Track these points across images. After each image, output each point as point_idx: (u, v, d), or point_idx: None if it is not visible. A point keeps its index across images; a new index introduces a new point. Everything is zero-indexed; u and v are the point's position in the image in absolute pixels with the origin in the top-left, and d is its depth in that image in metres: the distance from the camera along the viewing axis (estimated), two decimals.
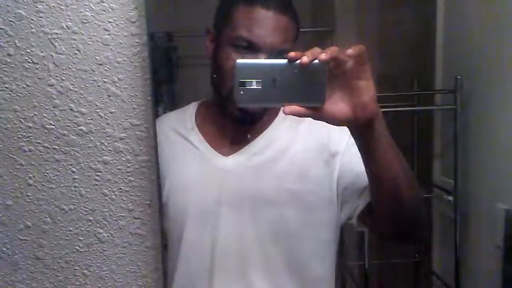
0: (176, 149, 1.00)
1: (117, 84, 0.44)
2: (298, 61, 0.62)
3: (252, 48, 0.86)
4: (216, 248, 0.91)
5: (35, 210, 0.43)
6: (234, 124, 0.94)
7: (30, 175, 0.43)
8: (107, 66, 0.43)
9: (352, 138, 0.77)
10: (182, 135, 1.00)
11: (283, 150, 0.95)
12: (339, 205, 0.95)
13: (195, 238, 0.93)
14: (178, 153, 0.99)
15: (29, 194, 0.43)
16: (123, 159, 0.45)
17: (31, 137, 0.43)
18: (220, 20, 0.92)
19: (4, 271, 0.43)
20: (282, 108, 0.63)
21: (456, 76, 1.58)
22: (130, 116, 0.44)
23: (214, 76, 0.93)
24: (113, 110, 0.44)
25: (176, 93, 2.27)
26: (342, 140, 0.91)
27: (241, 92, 0.62)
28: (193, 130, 1.00)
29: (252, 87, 0.62)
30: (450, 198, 1.68)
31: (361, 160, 0.78)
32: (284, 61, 0.63)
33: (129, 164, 0.45)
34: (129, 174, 0.45)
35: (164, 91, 2.29)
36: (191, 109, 1.06)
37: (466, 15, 1.67)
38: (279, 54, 0.86)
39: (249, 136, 0.97)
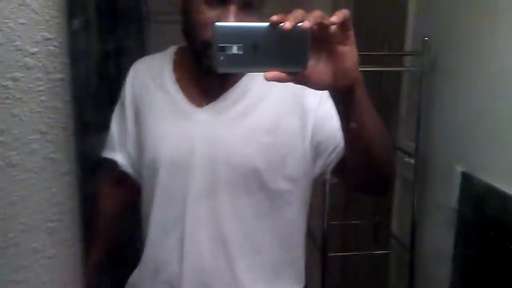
0: (152, 97, 0.98)
1: None
2: (280, 25, 0.58)
3: None
4: (188, 197, 0.91)
5: None
6: (208, 75, 0.90)
7: None
8: None
9: (326, 93, 0.75)
10: (159, 83, 0.98)
11: (257, 102, 0.93)
12: (312, 158, 0.94)
13: (168, 186, 0.93)
14: (154, 101, 0.98)
15: None
16: (34, 76, 0.41)
17: None
18: None
19: None
20: (263, 74, 0.60)
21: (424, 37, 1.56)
22: (42, 28, 0.41)
23: (185, 29, 0.89)
24: (23, 21, 0.40)
25: (146, 48, 2.19)
26: (316, 94, 0.90)
27: (221, 58, 0.58)
28: (169, 78, 0.98)
29: (232, 52, 0.58)
30: (412, 160, 1.69)
31: (335, 116, 0.77)
32: (266, 24, 0.60)
33: (40, 82, 0.41)
34: (40, 93, 0.41)
35: (133, 46, 2.21)
36: (168, 54, 1.03)
37: None
38: (250, 4, 0.82)
39: (222, 87, 0.94)
